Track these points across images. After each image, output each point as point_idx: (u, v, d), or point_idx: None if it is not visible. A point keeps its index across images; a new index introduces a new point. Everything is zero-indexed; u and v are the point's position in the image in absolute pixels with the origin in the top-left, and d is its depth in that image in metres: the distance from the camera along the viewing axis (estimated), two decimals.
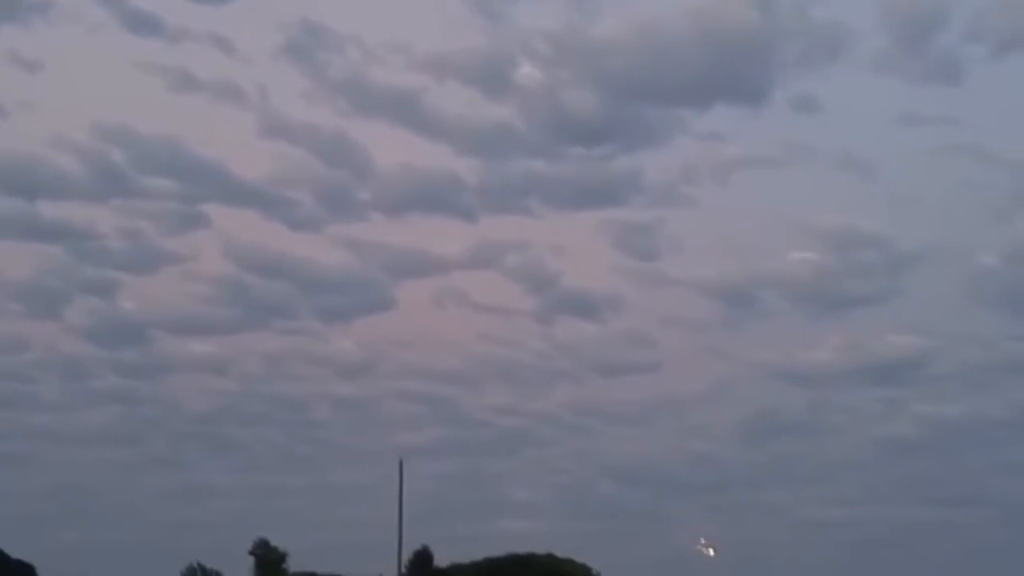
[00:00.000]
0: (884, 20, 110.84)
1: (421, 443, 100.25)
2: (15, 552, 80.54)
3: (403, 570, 58.59)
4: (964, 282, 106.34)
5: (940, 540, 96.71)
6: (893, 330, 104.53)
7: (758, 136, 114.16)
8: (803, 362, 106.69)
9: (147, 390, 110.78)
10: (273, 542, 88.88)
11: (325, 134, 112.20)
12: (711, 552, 48.87)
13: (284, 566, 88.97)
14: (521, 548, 77.07)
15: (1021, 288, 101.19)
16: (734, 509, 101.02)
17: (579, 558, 78.14)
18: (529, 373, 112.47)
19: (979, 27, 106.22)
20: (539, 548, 77.27)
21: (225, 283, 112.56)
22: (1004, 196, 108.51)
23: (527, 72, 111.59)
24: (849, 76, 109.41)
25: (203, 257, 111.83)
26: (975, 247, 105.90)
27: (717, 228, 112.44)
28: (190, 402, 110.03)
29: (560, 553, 76.90)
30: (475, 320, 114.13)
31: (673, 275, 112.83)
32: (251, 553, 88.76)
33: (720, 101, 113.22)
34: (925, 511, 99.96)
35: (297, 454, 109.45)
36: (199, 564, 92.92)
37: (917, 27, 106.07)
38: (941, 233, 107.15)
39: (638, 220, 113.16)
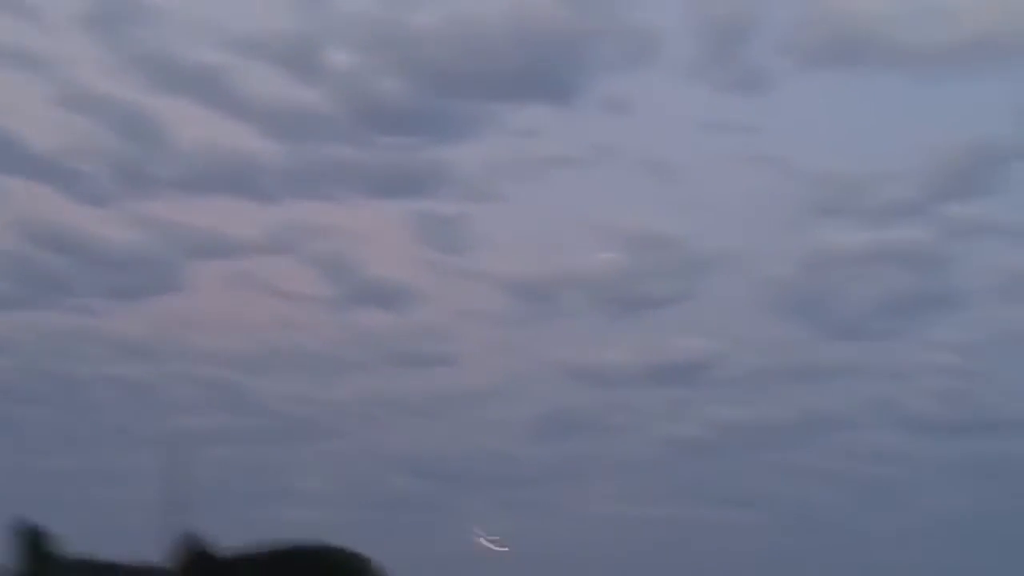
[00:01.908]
0: (696, 27, 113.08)
1: (206, 429, 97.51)
2: None
3: (176, 557, 56.15)
4: (756, 289, 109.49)
5: (720, 540, 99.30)
6: (686, 333, 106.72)
7: (568, 135, 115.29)
8: (598, 362, 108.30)
9: None
10: (44, 526, 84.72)
11: (124, 108, 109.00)
12: (497, 547, 48.31)
13: (52, 550, 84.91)
14: (306, 538, 75.68)
15: (810, 298, 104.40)
16: (523, 505, 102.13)
17: (364, 550, 77.20)
18: (323, 362, 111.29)
19: (787, 40, 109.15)
20: (325, 539, 76.05)
21: (7, 256, 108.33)
22: (800, 207, 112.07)
23: (339, 57, 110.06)
24: (660, 80, 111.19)
25: None
26: (769, 255, 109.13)
27: (523, 225, 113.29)
28: None
29: (345, 544, 75.92)
30: (270, 305, 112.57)
31: (476, 269, 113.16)
32: (17, 535, 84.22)
33: (534, 98, 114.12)
34: (707, 511, 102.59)
35: (74, 436, 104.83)
36: None
37: (727, 36, 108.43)
38: (737, 239, 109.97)
39: (445, 213, 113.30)
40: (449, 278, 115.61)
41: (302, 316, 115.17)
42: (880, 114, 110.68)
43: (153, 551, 77.09)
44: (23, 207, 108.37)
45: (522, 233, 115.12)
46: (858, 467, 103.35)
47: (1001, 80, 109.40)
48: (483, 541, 46.14)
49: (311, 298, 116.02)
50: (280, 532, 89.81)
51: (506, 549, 62.72)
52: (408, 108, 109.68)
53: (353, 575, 70.06)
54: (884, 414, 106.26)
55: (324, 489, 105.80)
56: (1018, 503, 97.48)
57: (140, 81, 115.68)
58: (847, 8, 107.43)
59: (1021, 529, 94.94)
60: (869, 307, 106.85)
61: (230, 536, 79.75)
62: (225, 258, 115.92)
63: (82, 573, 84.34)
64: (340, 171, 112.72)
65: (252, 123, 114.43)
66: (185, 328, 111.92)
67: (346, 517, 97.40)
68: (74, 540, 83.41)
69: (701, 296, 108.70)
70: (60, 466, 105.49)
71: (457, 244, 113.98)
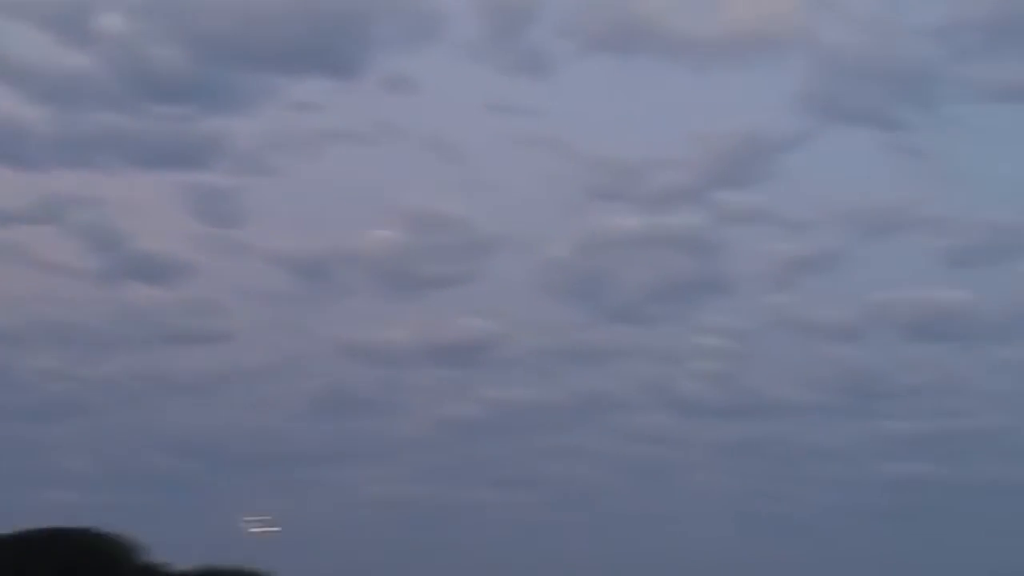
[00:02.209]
0: (480, 8, 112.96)
1: None
2: None
3: None
4: (536, 270, 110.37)
5: (495, 519, 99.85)
6: (466, 313, 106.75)
7: (350, 111, 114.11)
8: (377, 340, 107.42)
9: None
10: None
11: None
12: (268, 528, 46.88)
13: None
14: (64, 521, 72.31)
15: (588, 280, 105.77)
16: (297, 484, 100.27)
17: (127, 533, 74.38)
18: (88, 337, 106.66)
19: (569, 24, 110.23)
20: (84, 522, 72.77)
21: None
22: (579, 190, 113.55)
23: (111, 21, 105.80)
24: (443, 59, 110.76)
25: None
26: (548, 238, 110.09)
27: (301, 200, 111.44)
28: None
29: (106, 527, 72.87)
30: (33, 278, 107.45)
31: (252, 244, 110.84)
32: None
33: (314, 72, 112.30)
34: (484, 491, 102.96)
35: None
36: None
37: (510, 18, 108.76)
38: (518, 221, 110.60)
39: (219, 185, 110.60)
40: (223, 253, 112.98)
41: (68, 289, 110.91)
42: (657, 101, 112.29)
43: None
44: None
45: (299, 208, 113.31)
46: (631, 448, 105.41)
47: (772, 72, 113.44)
48: (252, 522, 44.76)
49: (77, 271, 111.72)
50: (39, 514, 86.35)
51: (277, 530, 61.23)
52: (183, 77, 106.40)
53: (113, 559, 67.62)
54: (657, 396, 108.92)
55: (87, 469, 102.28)
56: (781, 482, 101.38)
57: None
58: None
59: (784, 506, 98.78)
60: (644, 291, 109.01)
61: None
62: None
63: None
64: (110, 140, 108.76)
65: (17, 88, 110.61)
66: None
67: (110, 499, 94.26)
68: None
69: (482, 277, 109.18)
70: None
71: (231, 218, 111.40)
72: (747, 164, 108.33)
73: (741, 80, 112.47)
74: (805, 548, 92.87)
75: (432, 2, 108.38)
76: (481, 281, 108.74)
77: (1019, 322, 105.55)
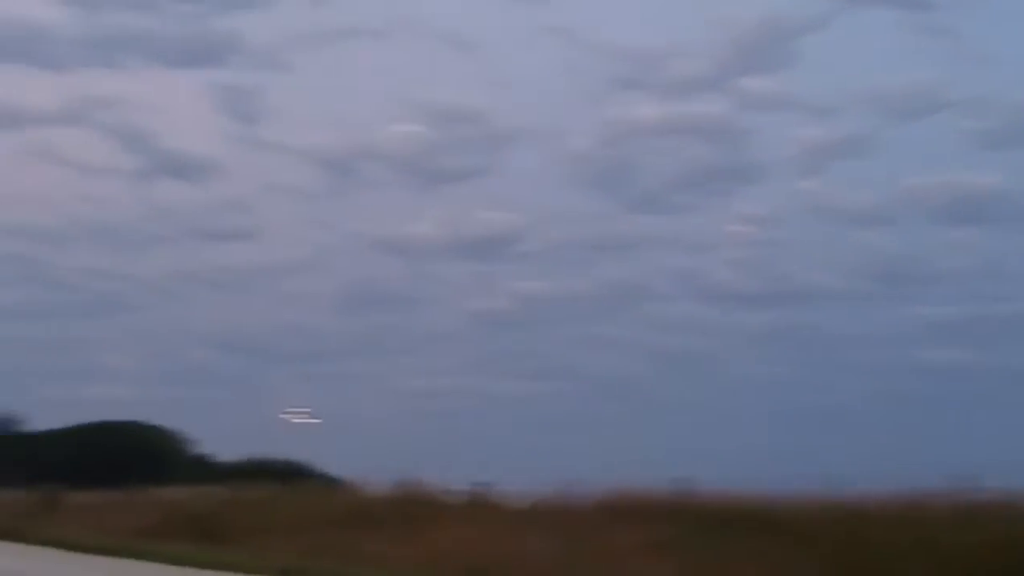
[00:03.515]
0: None
1: (8, 304, 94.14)
2: None
3: None
4: (558, 162, 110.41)
5: (529, 411, 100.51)
6: (489, 206, 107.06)
7: (366, 5, 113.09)
8: (402, 234, 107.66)
9: None
10: None
11: None
12: (305, 420, 48.49)
13: None
14: (112, 416, 74.67)
15: (611, 170, 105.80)
16: (328, 378, 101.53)
17: (171, 426, 76.62)
18: (124, 236, 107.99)
19: None
20: (130, 416, 75.22)
21: None
22: (599, 80, 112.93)
23: None
24: None
25: None
26: (569, 128, 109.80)
27: (322, 96, 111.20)
28: None
29: (152, 421, 75.18)
30: (67, 178, 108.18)
31: (276, 141, 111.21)
32: None
33: None
34: (517, 383, 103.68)
35: None
36: None
37: None
38: (539, 113, 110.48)
39: (241, 83, 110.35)
40: (249, 150, 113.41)
41: (101, 189, 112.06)
42: None
43: None
44: None
45: (321, 105, 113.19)
46: (663, 337, 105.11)
47: None
48: (291, 415, 46.35)
49: (110, 170, 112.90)
50: (88, 409, 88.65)
51: (315, 422, 63.07)
52: None
53: (161, 451, 69.87)
54: (687, 285, 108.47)
55: (128, 365, 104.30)
56: (815, 369, 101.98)
57: None
58: None
59: (818, 393, 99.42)
60: (669, 180, 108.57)
61: (38, 414, 78.58)
62: (18, 129, 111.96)
63: None
64: (133, 39, 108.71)
65: None
66: None
67: (151, 393, 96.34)
68: None
69: (504, 170, 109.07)
70: None
71: (256, 115, 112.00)
72: (769, 49, 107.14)
73: None
74: (839, 435, 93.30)
75: None
76: (504, 174, 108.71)
77: None
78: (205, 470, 63.58)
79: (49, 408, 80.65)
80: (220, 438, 76.12)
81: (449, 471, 32.47)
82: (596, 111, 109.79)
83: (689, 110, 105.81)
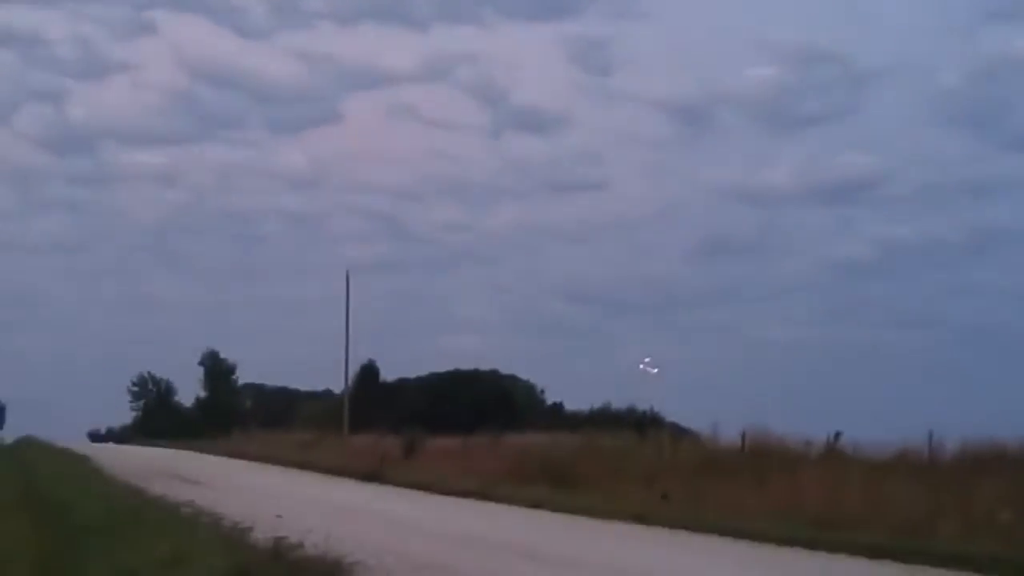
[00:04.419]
0: None
1: (367, 259, 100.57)
2: None
3: (349, 384, 58.41)
4: (924, 101, 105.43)
5: (884, 361, 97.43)
6: (850, 149, 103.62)
7: None
8: (757, 182, 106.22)
9: (97, 200, 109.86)
10: (222, 354, 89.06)
11: None
12: (654, 370, 48.17)
13: (233, 377, 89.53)
14: (465, 365, 77.58)
15: (982, 108, 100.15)
16: (681, 329, 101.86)
17: (523, 375, 78.35)
18: (477, 190, 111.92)
19: None
20: (483, 365, 77.66)
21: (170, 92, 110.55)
22: (966, 13, 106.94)
23: None
24: None
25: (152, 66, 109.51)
26: (936, 66, 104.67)
27: (674, 43, 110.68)
28: (139, 213, 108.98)
29: (504, 370, 77.07)
30: (424, 135, 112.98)
31: (627, 91, 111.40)
32: (200, 364, 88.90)
33: None
34: (877, 332, 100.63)
35: (245, 267, 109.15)
36: (150, 374, 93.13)
37: None
38: (903, 51, 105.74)
39: (593, 34, 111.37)
40: (600, 101, 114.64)
41: (456, 145, 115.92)
42: None
43: (325, 379, 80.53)
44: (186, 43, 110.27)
45: (673, 52, 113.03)
46: None
47: None
48: (643, 365, 46.25)
49: (465, 126, 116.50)
50: (446, 359, 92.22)
51: (662, 372, 62.84)
52: None
53: (517, 399, 71.62)
54: None
55: (482, 316, 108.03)
56: None
57: None
58: None
59: None
60: None
61: (396, 364, 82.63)
62: (380, 88, 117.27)
63: (260, 398, 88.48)
64: None
65: None
66: (345, 159, 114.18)
67: (504, 343, 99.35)
68: (250, 368, 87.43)
69: (865, 111, 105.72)
70: (233, 297, 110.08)
71: (607, 66, 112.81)
72: None
73: None
74: None
75: None
76: (865, 115, 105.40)
77: None
78: (558, 418, 65.05)
79: (408, 357, 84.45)
80: (572, 387, 77.75)
81: (803, 422, 31.74)
82: (967, 46, 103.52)
83: None
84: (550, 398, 77.69)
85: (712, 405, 72.19)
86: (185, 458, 46.58)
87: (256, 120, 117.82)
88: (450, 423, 48.79)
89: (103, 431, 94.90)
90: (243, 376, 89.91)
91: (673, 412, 59.08)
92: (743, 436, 29.23)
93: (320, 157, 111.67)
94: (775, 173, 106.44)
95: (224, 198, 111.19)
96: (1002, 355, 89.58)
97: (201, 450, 54.50)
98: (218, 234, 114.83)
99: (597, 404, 67.11)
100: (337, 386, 68.96)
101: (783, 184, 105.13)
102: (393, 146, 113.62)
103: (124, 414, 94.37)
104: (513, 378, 76.23)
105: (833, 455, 26.92)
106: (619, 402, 62.81)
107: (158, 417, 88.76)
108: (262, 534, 14.56)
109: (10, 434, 61.62)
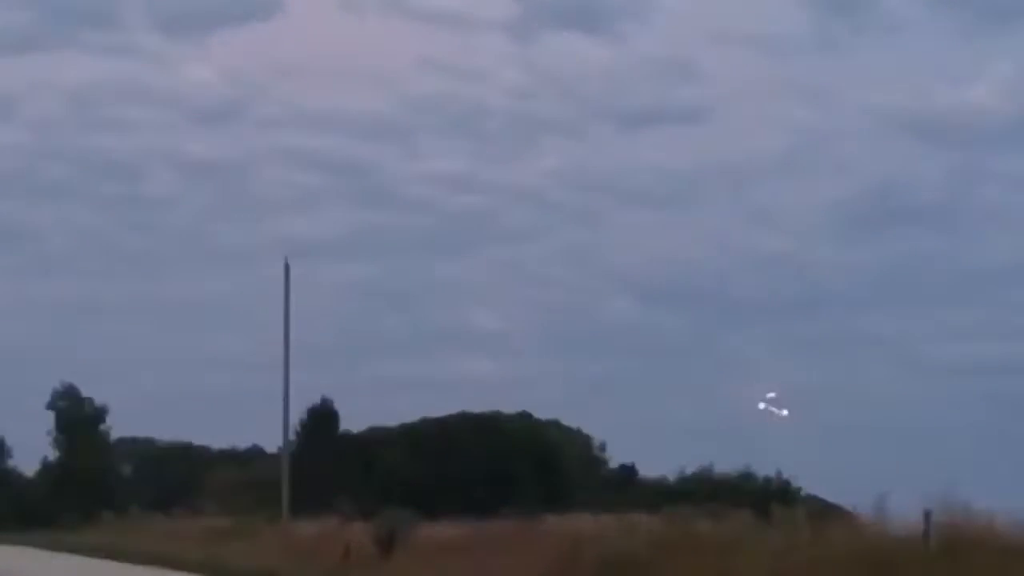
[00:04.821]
0: None
1: (320, 234, 78.53)
2: None
3: (291, 438, 46.20)
4: None
5: None
6: None
7: None
8: (947, 106, 79.39)
9: None
10: (84, 392, 69.43)
11: None
12: (783, 412, 35.65)
13: (102, 428, 70.26)
14: (478, 405, 58.60)
15: None
16: (824, 345, 77.66)
17: (570, 421, 61.88)
18: (496, 121, 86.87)
19: None
20: (507, 405, 59.17)
21: None
22: None
23: None
24: None
25: None
26: None
27: None
28: None
29: (541, 413, 59.40)
30: (412, 35, 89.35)
31: None
32: (49, 408, 69.21)
33: None
34: None
35: (124, 249, 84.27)
36: None
37: None
38: None
39: None
40: None
41: (462, 49, 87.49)
42: None
43: (255, 430, 65.80)
44: None
45: None
46: None
47: None
48: (769, 407, 34.88)
49: (476, 20, 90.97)
50: (443, 394, 73.88)
51: (797, 415, 50.26)
52: None
53: (553, 456, 58.85)
54: None
55: (506, 324, 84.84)
56: None
57: None
58: None
59: None
60: None
61: (368, 402, 63.54)
62: None
63: (145, 461, 72.52)
64: None
65: None
66: (282, 75, 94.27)
67: (541, 369, 75.29)
68: (128, 415, 68.49)
69: None
70: (105, 295, 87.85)
71: None
72: None
73: None
74: None
75: None
76: None
77: None
78: (627, 490, 52.51)
79: (384, 393, 64.85)
80: (649, 441, 59.06)
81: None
82: None
83: None
84: (614, 458, 62.33)
85: (874, 467, 51.05)
86: (19, 568, 34.79)
87: (138, 15, 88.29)
88: (454, 499, 39.31)
89: None
90: (117, 427, 67.71)
91: (813, 478, 46.23)
92: (927, 517, 20.92)
93: (241, 72, 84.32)
94: (976, 92, 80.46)
95: (86, 138, 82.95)
96: None
97: (49, 546, 43.70)
98: (77, 196, 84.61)
99: (690, 468, 53.45)
100: (271, 442, 52.98)
101: (990, 108, 78.59)
102: (362, 53, 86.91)
103: None
104: (555, 425, 60.63)
105: None
106: (725, 464, 50.86)
107: None
108: None
109: None
